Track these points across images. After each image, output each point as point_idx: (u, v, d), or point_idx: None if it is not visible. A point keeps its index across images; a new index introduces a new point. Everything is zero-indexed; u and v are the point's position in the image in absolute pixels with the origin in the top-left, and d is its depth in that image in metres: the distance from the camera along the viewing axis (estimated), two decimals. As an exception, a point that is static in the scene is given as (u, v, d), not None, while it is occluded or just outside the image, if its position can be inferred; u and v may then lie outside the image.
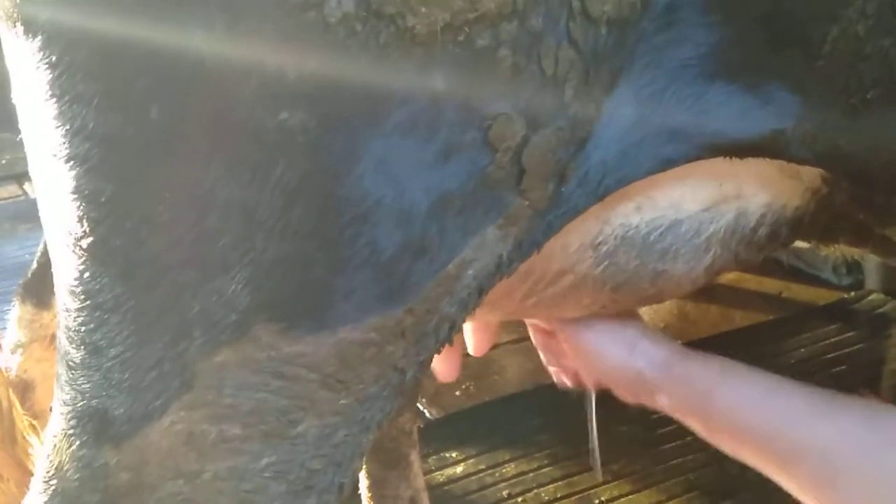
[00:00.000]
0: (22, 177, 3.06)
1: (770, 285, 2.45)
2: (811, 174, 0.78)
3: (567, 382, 0.99)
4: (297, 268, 0.57)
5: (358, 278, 0.58)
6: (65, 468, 0.63)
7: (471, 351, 0.98)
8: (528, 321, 1.01)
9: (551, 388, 2.09)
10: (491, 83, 0.56)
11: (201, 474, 0.61)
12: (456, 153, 0.58)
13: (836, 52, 0.65)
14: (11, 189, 3.10)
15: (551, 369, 1.02)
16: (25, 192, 3.07)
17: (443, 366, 0.96)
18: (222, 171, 0.54)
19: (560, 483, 1.90)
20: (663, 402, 0.86)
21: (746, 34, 0.64)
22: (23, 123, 0.60)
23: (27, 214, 2.91)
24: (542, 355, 1.02)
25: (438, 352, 0.67)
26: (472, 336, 0.97)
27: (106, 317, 0.58)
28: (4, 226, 2.87)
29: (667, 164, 0.69)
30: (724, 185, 0.78)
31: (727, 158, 0.71)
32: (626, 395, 0.90)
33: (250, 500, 0.63)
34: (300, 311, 0.58)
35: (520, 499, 1.90)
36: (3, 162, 3.15)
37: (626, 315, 0.91)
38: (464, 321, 0.67)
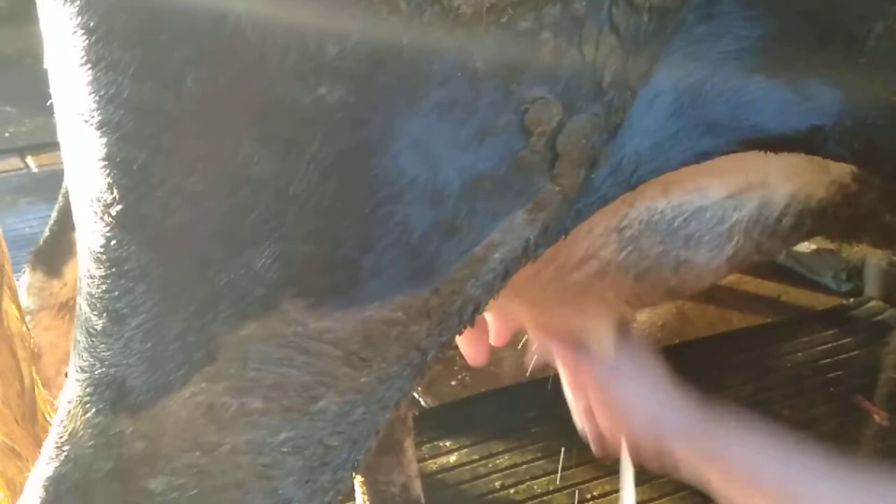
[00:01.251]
0: (24, 150, 3.05)
1: (769, 288, 2.46)
2: (840, 169, 0.78)
3: (597, 445, 1.02)
4: (327, 244, 0.57)
5: (387, 256, 0.58)
6: (79, 434, 0.63)
7: (491, 340, 0.99)
8: (562, 369, 1.02)
9: (547, 382, 2.09)
10: (531, 66, 0.56)
11: (219, 446, 0.61)
12: (491, 135, 0.57)
13: (880, 49, 0.64)
14: (14, 162, 3.08)
15: (580, 426, 1.03)
16: (28, 166, 3.06)
17: (472, 349, 0.97)
18: (257, 145, 0.54)
19: (553, 476, 1.91)
20: (678, 450, 0.89)
21: (789, 29, 0.64)
22: (54, 88, 0.60)
23: (28, 188, 2.90)
24: (574, 413, 1.03)
25: (460, 333, 0.67)
26: (493, 325, 0.97)
27: (131, 285, 0.58)
28: (6, 198, 2.86)
29: (702, 156, 0.69)
30: (750, 172, 0.78)
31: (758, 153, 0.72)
32: (648, 454, 0.93)
33: (266, 473, 0.62)
34: (329, 288, 0.58)
35: (512, 490, 1.90)
36: (7, 135, 3.14)
37: (652, 369, 0.93)
38: (487, 303, 0.67)
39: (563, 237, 0.67)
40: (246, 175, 0.55)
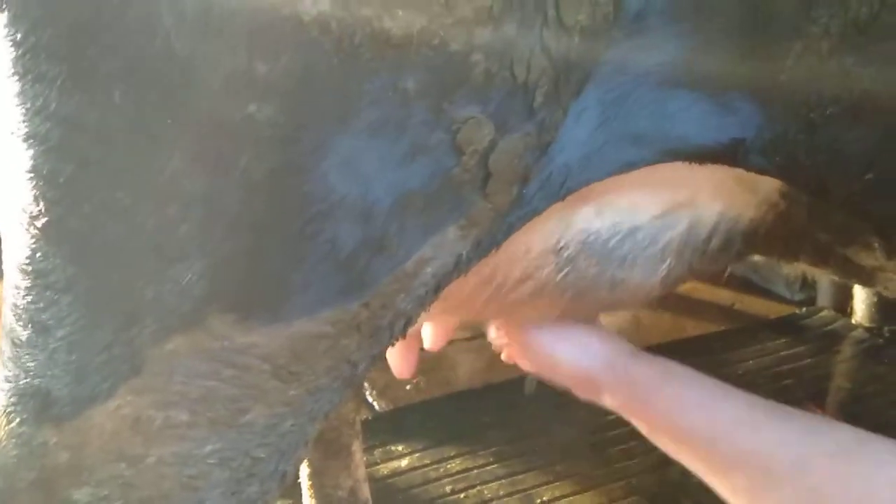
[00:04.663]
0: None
1: (723, 296, 2.48)
2: (769, 188, 0.79)
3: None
4: (255, 260, 0.56)
5: (316, 273, 0.58)
6: (3, 444, 0.62)
7: (426, 346, 0.98)
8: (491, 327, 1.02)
9: (501, 388, 2.10)
10: (462, 87, 0.56)
11: (145, 458, 0.61)
12: (422, 154, 0.58)
13: (799, 66, 0.65)
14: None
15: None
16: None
17: (399, 363, 0.97)
18: (186, 161, 0.54)
19: (503, 481, 1.91)
20: (609, 401, 0.88)
21: (712, 44, 0.64)
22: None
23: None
24: (499, 352, 1.02)
25: (392, 346, 0.67)
26: (430, 331, 0.97)
27: (56, 297, 0.58)
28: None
29: (628, 167, 0.69)
30: (679, 191, 0.79)
31: (686, 165, 0.72)
32: (576, 392, 0.92)
33: (193, 485, 0.62)
34: (256, 303, 0.58)
35: (462, 495, 1.90)
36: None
37: (585, 326, 0.92)
38: (419, 317, 0.67)
39: (495, 250, 0.67)
40: (174, 191, 0.54)
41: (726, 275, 2.43)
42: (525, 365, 0.97)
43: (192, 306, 0.57)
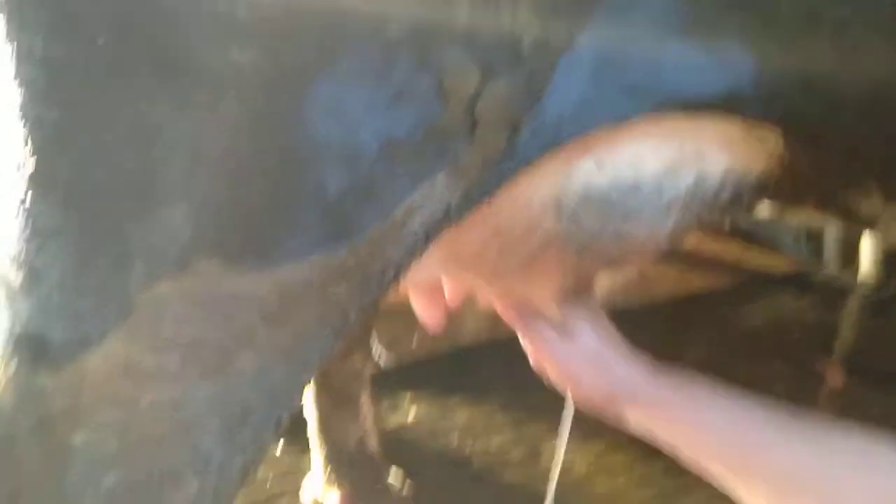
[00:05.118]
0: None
1: (729, 251, 2.48)
2: (774, 139, 0.78)
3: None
4: (241, 204, 0.57)
5: (302, 218, 0.58)
6: (0, 390, 0.63)
7: (447, 299, 0.99)
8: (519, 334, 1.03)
9: (506, 341, 2.11)
10: (447, 33, 0.56)
11: (138, 402, 0.62)
12: (408, 101, 0.57)
13: (794, 16, 0.65)
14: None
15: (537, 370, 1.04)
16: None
17: (430, 317, 0.97)
18: (169, 105, 0.54)
19: (510, 433, 1.93)
20: (631, 421, 0.89)
21: (706, -8, 0.64)
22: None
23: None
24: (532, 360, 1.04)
25: (383, 295, 0.68)
26: (448, 287, 0.97)
27: (46, 242, 0.58)
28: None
29: (623, 119, 0.69)
30: (685, 145, 0.78)
31: (687, 117, 0.72)
32: (598, 410, 0.94)
33: (186, 430, 0.63)
34: (242, 248, 0.58)
35: (469, 446, 1.92)
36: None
37: (604, 334, 0.93)
38: (410, 265, 0.67)
39: (487, 200, 0.67)
40: (159, 135, 0.55)
41: (732, 230, 2.44)
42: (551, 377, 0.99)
43: (180, 251, 0.57)
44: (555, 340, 0.93)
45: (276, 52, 0.53)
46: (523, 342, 1.02)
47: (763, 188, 0.83)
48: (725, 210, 0.84)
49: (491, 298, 0.97)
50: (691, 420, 0.84)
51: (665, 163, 0.78)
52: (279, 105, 0.55)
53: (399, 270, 0.66)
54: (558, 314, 0.93)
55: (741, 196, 0.83)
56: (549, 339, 0.93)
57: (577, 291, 0.95)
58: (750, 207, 0.88)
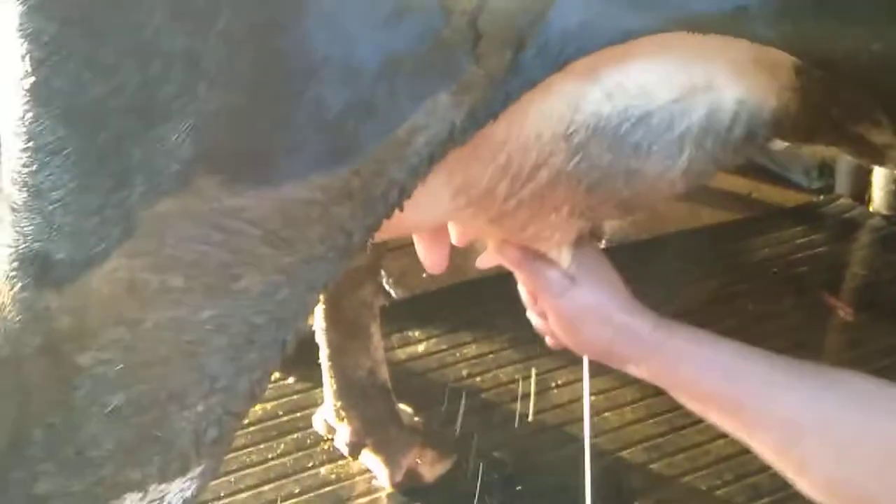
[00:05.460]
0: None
1: (740, 185, 2.46)
2: (786, 69, 0.77)
3: (553, 344, 1.03)
4: (240, 120, 0.56)
5: (302, 135, 0.57)
6: (6, 310, 0.64)
7: (454, 241, 0.98)
8: (522, 290, 1.03)
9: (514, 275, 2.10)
10: (448, -59, 0.55)
11: (142, 323, 0.62)
12: (409, 13, 0.56)
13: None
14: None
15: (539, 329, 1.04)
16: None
17: (432, 258, 0.97)
18: (166, 18, 0.53)
19: (518, 365, 1.94)
20: (634, 371, 0.91)
21: None
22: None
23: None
24: (531, 318, 1.04)
25: (388, 216, 0.67)
26: (457, 229, 0.97)
27: (48, 159, 0.58)
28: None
29: (628, 35, 0.67)
30: (694, 73, 0.76)
31: (698, 43, 0.70)
32: (602, 361, 0.95)
33: (191, 350, 0.63)
34: (242, 165, 0.58)
35: (478, 378, 1.93)
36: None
37: (603, 283, 0.93)
38: (414, 187, 0.66)
39: (493, 121, 0.66)
40: (156, 49, 0.54)
41: (743, 163, 2.42)
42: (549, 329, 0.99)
43: (180, 167, 0.57)
44: (557, 287, 0.93)
45: (274, -40, 0.52)
46: (522, 288, 1.03)
47: (779, 125, 0.82)
48: (740, 148, 0.83)
49: (496, 240, 0.97)
50: (692, 369, 0.86)
51: (675, 92, 0.77)
52: (275, 17, 0.54)
53: (403, 191, 0.65)
54: (565, 258, 0.93)
55: (755, 135, 0.82)
56: (552, 284, 0.93)
57: (586, 235, 0.94)
58: (765, 144, 0.86)
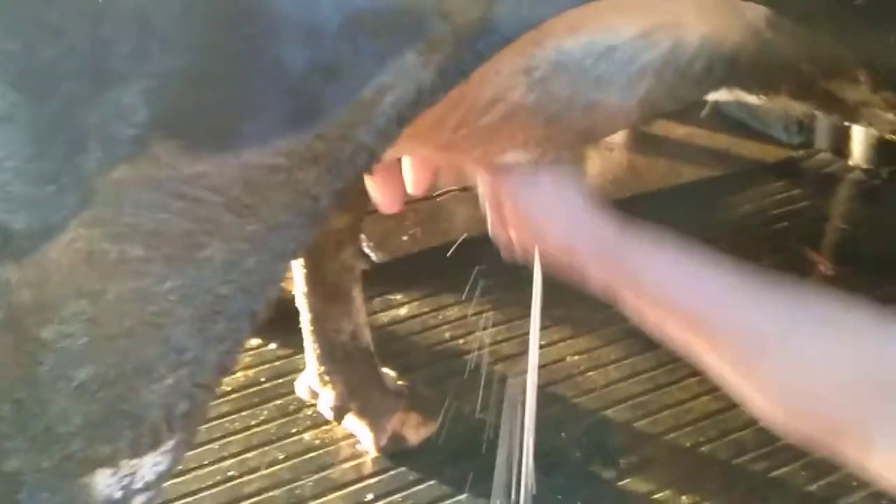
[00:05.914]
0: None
1: (720, 141, 2.44)
2: (755, 13, 0.75)
3: (509, 253, 0.99)
4: (197, 82, 0.54)
5: (263, 97, 0.55)
6: (-35, 284, 0.62)
7: (409, 189, 0.96)
8: (479, 182, 0.99)
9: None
10: None
11: (104, 294, 0.60)
12: (371, -32, 0.54)
13: None
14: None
15: (495, 236, 1.01)
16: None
17: (384, 196, 0.94)
18: (117, -26, 0.51)
19: (501, 327, 1.93)
20: (595, 275, 0.86)
21: None
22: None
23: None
24: (489, 223, 1.00)
25: (356, 180, 0.65)
26: (411, 173, 0.94)
27: (1, 126, 0.55)
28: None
29: None
30: (661, 15, 0.75)
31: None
32: (562, 266, 0.90)
33: (156, 322, 0.62)
34: (201, 130, 0.56)
35: (461, 341, 1.93)
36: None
37: (571, 179, 0.89)
38: (384, 150, 0.65)
39: (464, 79, 0.64)
40: (107, 8, 0.52)
41: (722, 119, 2.40)
42: (512, 235, 0.95)
43: (135, 132, 0.54)
44: (519, 188, 0.89)
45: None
46: (484, 200, 0.98)
47: (736, 62, 0.80)
48: (698, 82, 0.81)
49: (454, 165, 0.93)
50: (655, 274, 0.81)
51: (641, 29, 0.75)
52: (233, -28, 0.52)
53: (372, 154, 0.63)
54: (527, 159, 0.89)
55: (714, 67, 0.80)
56: (514, 186, 0.89)
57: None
58: (722, 83, 0.84)
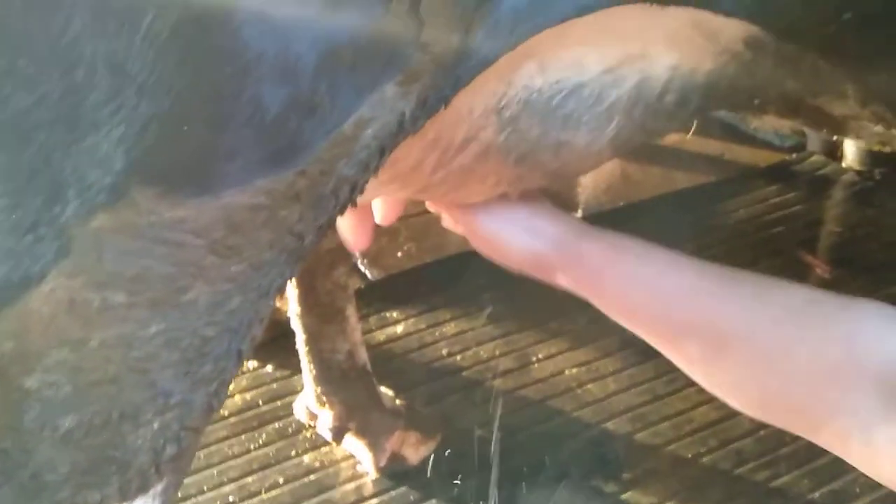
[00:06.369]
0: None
1: (712, 147, 2.44)
2: (731, 36, 0.74)
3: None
4: (173, 126, 0.53)
5: (241, 138, 0.54)
6: (-54, 336, 0.61)
7: (378, 220, 0.95)
8: (449, 220, 0.99)
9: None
10: (381, -75, 0.52)
11: (87, 342, 0.59)
12: (346, 4, 0.53)
13: None
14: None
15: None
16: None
17: (353, 235, 0.93)
18: (87, 20, 0.50)
19: (498, 341, 1.93)
20: (562, 281, 0.85)
21: None
22: None
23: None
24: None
25: (341, 214, 0.65)
26: (381, 205, 0.93)
27: (-26, 178, 0.55)
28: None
29: (584, 10, 0.65)
30: (629, 44, 0.74)
31: (642, 14, 0.68)
32: (530, 273, 0.89)
33: (141, 367, 0.61)
34: (180, 174, 0.55)
35: (458, 357, 1.92)
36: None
37: (526, 196, 0.88)
38: (366, 182, 0.64)
39: (444, 107, 0.63)
40: (79, 54, 0.51)
41: (714, 125, 2.40)
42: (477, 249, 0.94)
43: (113, 179, 0.53)
44: (477, 212, 0.88)
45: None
46: (446, 214, 0.98)
47: (715, 90, 0.79)
48: (672, 115, 0.80)
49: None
50: (617, 278, 0.81)
51: (607, 63, 0.75)
52: (202, 14, 0.51)
53: (354, 187, 0.62)
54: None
55: (688, 99, 0.79)
56: (472, 213, 0.88)
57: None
58: (701, 112, 0.83)
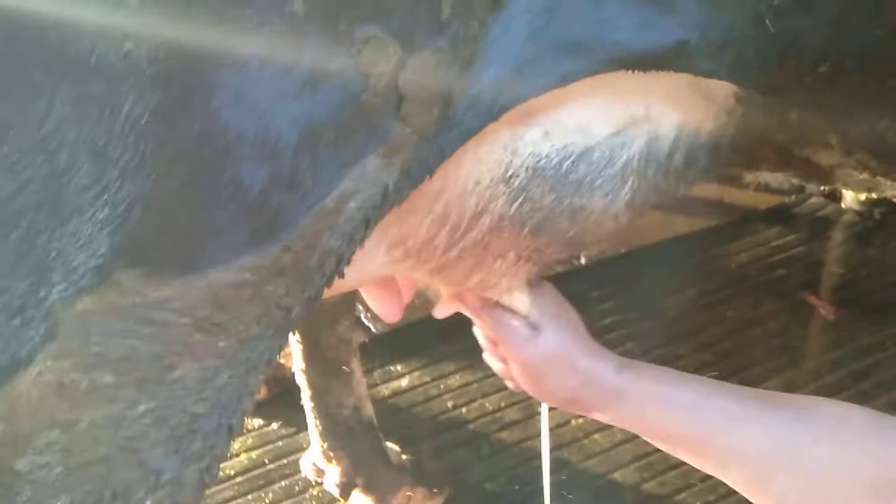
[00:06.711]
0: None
1: (711, 190, 2.45)
2: (724, 94, 0.75)
3: (514, 387, 1.00)
4: (156, 208, 0.53)
5: (224, 217, 0.55)
6: (-65, 420, 0.60)
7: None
8: (479, 334, 1.00)
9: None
10: (357, 5, 0.52)
11: (76, 423, 0.59)
12: (324, 81, 0.54)
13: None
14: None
15: (487, 361, 1.02)
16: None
17: (384, 308, 0.94)
18: (68, 108, 0.50)
19: (504, 393, 1.92)
20: (600, 417, 0.89)
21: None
22: None
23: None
24: (489, 362, 1.02)
25: (328, 286, 0.64)
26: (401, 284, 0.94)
27: (-39, 264, 0.55)
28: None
29: (566, 79, 0.65)
30: (631, 105, 0.74)
31: (633, 75, 0.68)
32: (565, 408, 0.94)
33: (131, 446, 0.60)
34: (163, 255, 0.55)
35: (464, 409, 1.91)
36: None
37: (570, 330, 0.90)
38: (352, 253, 0.64)
39: (429, 177, 0.64)
40: (60, 140, 0.51)
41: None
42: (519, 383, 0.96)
43: (98, 263, 0.54)
44: (520, 337, 0.90)
45: (172, 40, 0.50)
46: (481, 336, 1.00)
47: (717, 148, 0.80)
48: (682, 175, 0.81)
49: (448, 290, 0.94)
50: (657, 411, 0.84)
51: (614, 125, 0.75)
52: (181, 98, 0.51)
53: (340, 259, 0.62)
54: (523, 304, 0.90)
55: (696, 158, 0.79)
56: (515, 335, 0.90)
57: (534, 277, 0.91)
58: (708, 173, 0.84)
